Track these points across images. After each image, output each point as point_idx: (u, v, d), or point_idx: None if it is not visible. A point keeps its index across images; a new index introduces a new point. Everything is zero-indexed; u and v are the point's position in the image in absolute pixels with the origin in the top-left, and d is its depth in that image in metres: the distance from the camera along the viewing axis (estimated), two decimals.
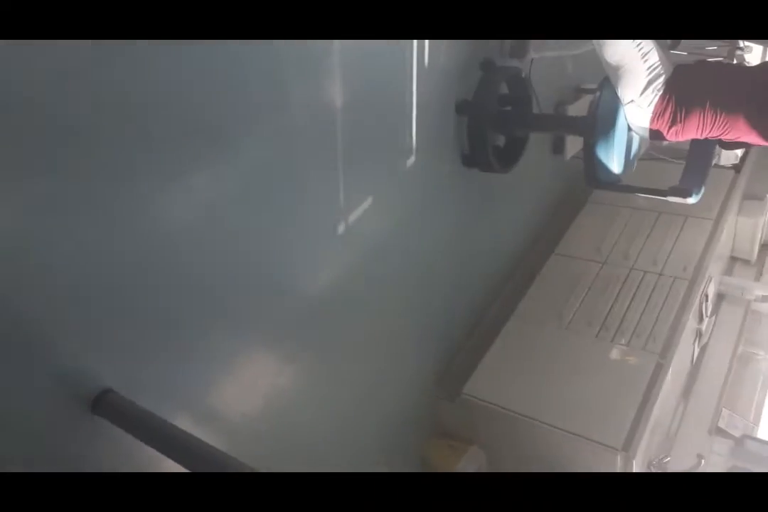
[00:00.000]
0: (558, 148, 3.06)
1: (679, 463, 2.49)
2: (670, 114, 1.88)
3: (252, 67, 1.42)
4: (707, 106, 1.83)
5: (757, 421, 2.90)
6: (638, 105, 1.92)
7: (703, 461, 2.42)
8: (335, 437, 2.08)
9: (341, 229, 1.88)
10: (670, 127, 1.90)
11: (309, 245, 1.76)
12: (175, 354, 1.43)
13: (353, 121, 1.78)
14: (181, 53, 1.24)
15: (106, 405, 1.27)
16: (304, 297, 1.79)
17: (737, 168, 3.28)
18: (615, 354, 2.47)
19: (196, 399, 1.52)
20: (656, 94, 1.88)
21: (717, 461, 2.60)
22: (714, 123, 1.84)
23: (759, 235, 3.32)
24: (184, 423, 1.28)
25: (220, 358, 1.55)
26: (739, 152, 3.28)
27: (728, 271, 3.45)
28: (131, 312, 1.30)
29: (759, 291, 3.21)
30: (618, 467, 2.14)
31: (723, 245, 3.04)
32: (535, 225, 3.20)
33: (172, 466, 1.23)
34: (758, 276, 3.39)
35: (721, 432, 2.75)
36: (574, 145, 2.98)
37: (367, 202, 1.96)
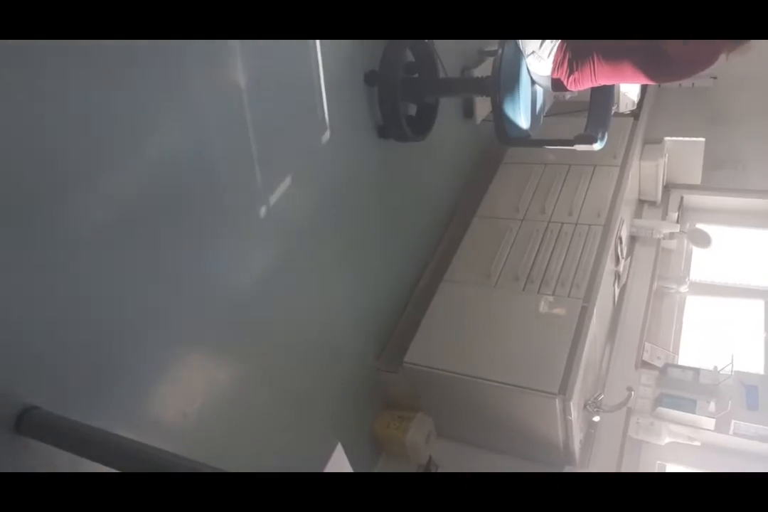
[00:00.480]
0: (468, 112, 3.11)
1: (611, 398, 2.66)
2: (568, 62, 2.01)
3: (149, 53, 1.36)
4: (597, 54, 1.97)
5: (676, 350, 3.12)
6: (539, 56, 2.06)
7: (632, 393, 2.59)
8: (285, 423, 2.09)
9: (263, 212, 1.86)
10: (569, 76, 2.04)
11: (232, 233, 1.73)
12: (101, 363, 1.37)
13: (261, 100, 1.76)
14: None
15: (31, 422, 1.21)
16: (234, 286, 1.77)
17: (635, 114, 3.43)
18: (542, 304, 2.58)
19: (130, 406, 1.48)
20: (554, 44, 2.02)
21: (645, 392, 2.79)
22: (604, 69, 1.98)
23: (661, 177, 3.51)
24: (123, 431, 1.23)
25: (149, 361, 1.50)
26: (636, 99, 3.42)
27: (638, 214, 3.64)
28: (48, 325, 1.24)
29: (666, 229, 3.40)
30: (557, 410, 2.27)
31: (630, 189, 3.20)
32: (455, 189, 3.26)
33: None
34: (664, 216, 3.59)
35: (646, 364, 2.95)
36: (483, 108, 3.04)
37: (286, 182, 1.95)
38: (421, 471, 2.64)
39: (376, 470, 2.71)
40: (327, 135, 2.11)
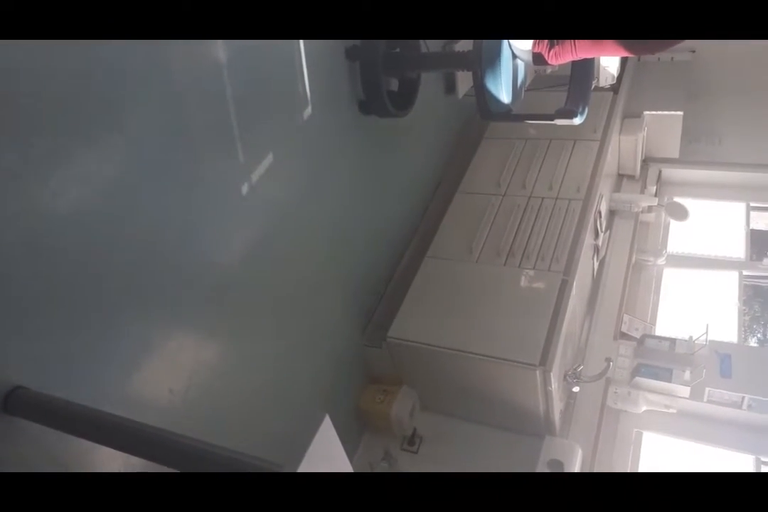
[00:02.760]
0: (450, 87, 3.09)
1: (591, 369, 2.73)
2: None
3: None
4: None
5: (654, 321, 3.19)
6: None
7: (611, 363, 2.65)
8: (271, 399, 2.12)
9: (245, 189, 1.85)
10: (549, 49, 2.04)
11: (214, 210, 1.73)
12: (84, 341, 1.37)
13: (242, 77, 1.74)
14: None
15: (17, 402, 1.21)
16: (217, 263, 1.77)
17: (615, 88, 3.44)
18: (523, 278, 2.62)
19: (116, 384, 1.48)
20: None
21: (623, 362, 2.86)
22: (584, 42, 1.98)
23: (640, 151, 3.54)
24: (109, 408, 1.23)
25: (134, 339, 1.51)
26: (615, 73, 3.43)
27: (617, 188, 3.68)
28: (30, 303, 1.24)
29: (644, 202, 3.45)
30: (538, 381, 2.33)
31: (609, 164, 3.23)
32: (437, 166, 3.27)
33: (105, 456, 1.21)
34: (642, 189, 3.64)
35: (624, 335, 3.02)
36: (465, 83, 3.03)
37: (268, 159, 1.94)
38: (405, 443, 2.69)
39: (361, 442, 2.76)
40: (308, 110, 2.09)
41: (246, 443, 1.79)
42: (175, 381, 1.67)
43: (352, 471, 1.12)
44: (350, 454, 2.59)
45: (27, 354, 1.26)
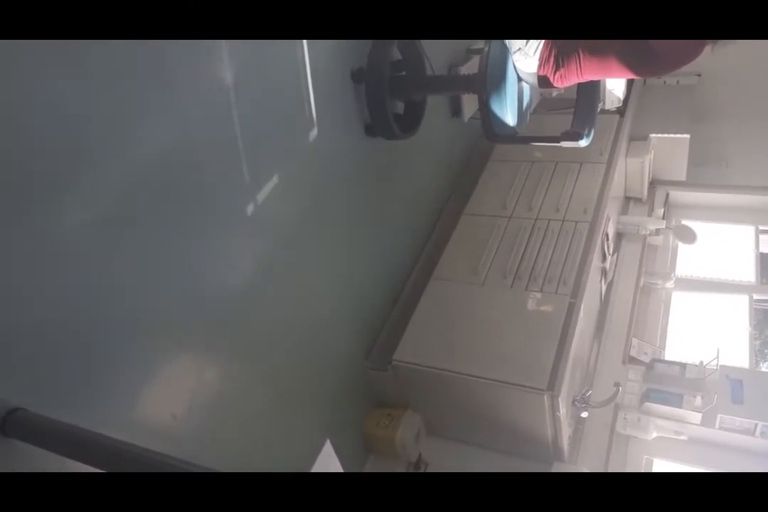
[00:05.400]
0: (456, 110, 3.11)
1: (599, 394, 2.68)
2: (554, 59, 2.03)
3: (131, 51, 1.35)
4: (583, 49, 1.98)
5: (663, 345, 3.15)
6: (525, 53, 2.07)
7: (620, 388, 2.61)
8: (273, 422, 2.08)
9: (250, 211, 1.85)
10: (555, 72, 2.05)
11: (218, 233, 1.73)
12: (87, 364, 1.36)
13: (247, 98, 1.75)
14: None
15: (16, 424, 1.19)
16: (221, 286, 1.76)
17: (621, 111, 3.45)
18: (530, 301, 2.59)
19: (118, 407, 1.47)
20: (540, 42, 2.03)
21: (633, 387, 2.81)
22: (590, 64, 1.99)
23: (647, 174, 3.53)
24: (110, 432, 1.20)
25: (136, 362, 1.49)
26: (621, 96, 3.44)
27: (624, 210, 3.66)
28: (35, 326, 1.23)
29: (652, 225, 3.43)
30: (546, 406, 2.29)
31: (616, 186, 3.22)
32: (443, 188, 3.27)
33: None
34: (650, 212, 3.62)
35: (633, 360, 2.97)
36: (470, 105, 3.04)
37: (273, 181, 1.94)
38: (411, 469, 2.64)
39: (366, 468, 2.71)
40: (314, 133, 2.10)
41: (247, 465, 1.77)
42: (177, 404, 1.65)
43: None
44: None
45: (28, 377, 1.24)
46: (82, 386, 1.35)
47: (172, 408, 1.62)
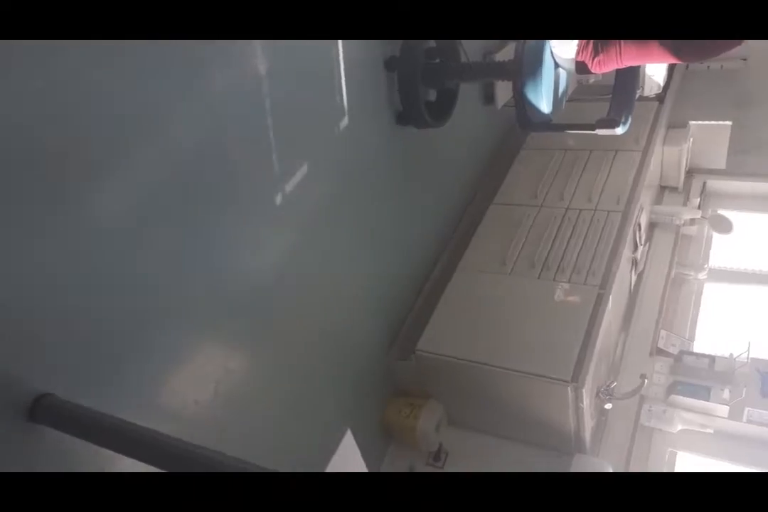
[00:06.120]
0: (489, 97, 3.07)
1: (624, 386, 2.67)
2: (593, 44, 1.97)
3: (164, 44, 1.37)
4: None
5: (692, 337, 3.11)
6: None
7: (646, 380, 2.59)
8: (295, 411, 2.11)
9: (279, 199, 1.87)
10: (593, 58, 1.99)
11: (248, 221, 1.75)
12: (114, 350, 1.39)
13: (280, 87, 1.75)
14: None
15: (44, 410, 1.21)
16: (249, 275, 1.79)
17: (660, 98, 3.36)
18: (557, 292, 2.58)
19: (144, 393, 1.50)
20: None
21: (659, 379, 2.79)
22: (630, 49, 1.93)
23: (684, 162, 3.45)
24: (135, 419, 1.23)
25: (163, 349, 1.52)
26: (662, 82, 3.35)
27: (658, 200, 3.59)
28: (62, 313, 1.26)
29: (686, 215, 3.36)
30: (569, 398, 2.29)
31: (652, 175, 3.15)
32: (473, 177, 3.24)
33: (129, 467, 1.21)
34: (685, 202, 3.54)
35: (661, 352, 2.94)
36: (504, 93, 3.00)
37: (303, 170, 1.95)
38: (430, 458, 2.66)
39: (386, 456, 2.73)
40: (345, 121, 2.10)
41: (269, 455, 1.81)
42: (201, 391, 1.69)
43: None
44: (375, 467, 2.58)
45: (54, 363, 1.27)
46: (108, 370, 1.38)
47: (195, 394, 1.66)
